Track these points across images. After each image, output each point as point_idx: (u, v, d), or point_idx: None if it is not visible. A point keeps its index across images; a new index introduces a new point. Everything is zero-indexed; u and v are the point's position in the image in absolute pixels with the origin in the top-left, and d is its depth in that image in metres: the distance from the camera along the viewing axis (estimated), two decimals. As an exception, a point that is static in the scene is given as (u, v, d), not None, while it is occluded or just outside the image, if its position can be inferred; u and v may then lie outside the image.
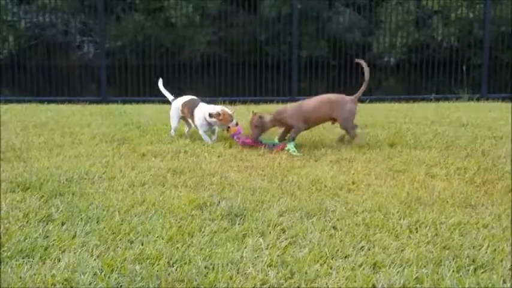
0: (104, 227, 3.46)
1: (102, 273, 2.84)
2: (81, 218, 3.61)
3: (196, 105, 6.23)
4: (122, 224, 3.51)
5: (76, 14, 14.34)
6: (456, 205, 3.98)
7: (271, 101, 10.36)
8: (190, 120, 6.37)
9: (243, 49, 13.40)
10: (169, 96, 6.59)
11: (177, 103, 6.42)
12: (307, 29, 13.56)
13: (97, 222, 3.57)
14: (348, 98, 6.03)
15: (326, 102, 5.96)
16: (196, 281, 2.81)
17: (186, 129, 6.52)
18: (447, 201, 4.05)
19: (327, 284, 2.79)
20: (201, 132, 6.17)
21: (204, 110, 6.11)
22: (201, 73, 13.34)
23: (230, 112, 6.05)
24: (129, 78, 12.82)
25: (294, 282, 2.82)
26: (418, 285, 2.77)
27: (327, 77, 13.10)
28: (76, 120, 7.41)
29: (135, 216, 3.68)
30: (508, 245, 3.22)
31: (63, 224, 3.54)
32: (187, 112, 6.28)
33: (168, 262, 2.99)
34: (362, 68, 6.05)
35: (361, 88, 6.03)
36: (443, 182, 4.59)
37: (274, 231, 3.44)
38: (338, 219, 3.67)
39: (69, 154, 5.42)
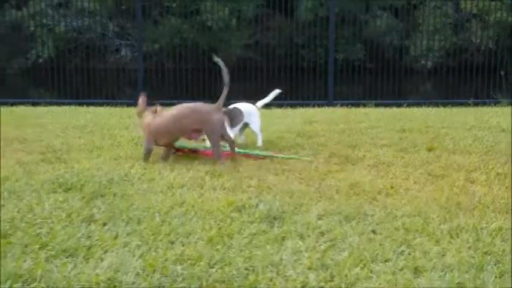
0: (145, 228, 3.51)
1: (145, 273, 2.88)
2: (122, 219, 3.67)
3: None
4: (162, 225, 3.56)
5: (113, 18, 14.54)
6: (497, 211, 3.93)
7: (307, 105, 10.35)
8: None
9: (279, 53, 13.44)
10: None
11: None
12: (344, 32, 13.54)
13: (138, 223, 3.62)
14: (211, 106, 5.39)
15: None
16: (236, 282, 2.83)
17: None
18: (488, 207, 4.00)
19: (367, 287, 2.79)
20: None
21: None
22: (237, 76, 13.37)
23: None
24: (165, 81, 12.94)
25: (335, 285, 2.82)
26: (460, 291, 2.76)
27: (363, 81, 13.05)
28: (114, 123, 7.51)
29: (175, 217, 3.72)
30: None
31: (104, 224, 3.60)
32: None
33: (209, 263, 3.02)
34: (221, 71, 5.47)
35: (222, 94, 5.36)
36: (483, 187, 4.54)
37: (313, 234, 3.45)
38: (377, 224, 3.65)
39: (109, 156, 5.50)
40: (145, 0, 12.52)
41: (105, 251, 3.16)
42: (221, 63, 5.48)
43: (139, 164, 5.17)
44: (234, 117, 6.05)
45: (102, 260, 3.05)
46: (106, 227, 3.53)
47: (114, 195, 4.19)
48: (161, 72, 13.16)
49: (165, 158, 5.44)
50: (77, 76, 12.81)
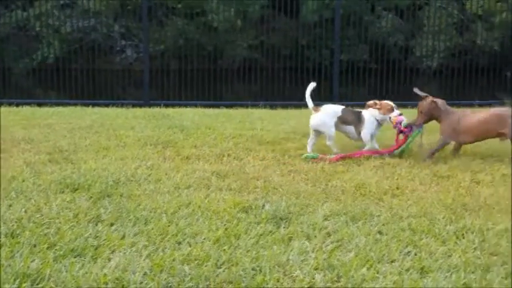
0: (152, 228, 3.53)
1: (152, 273, 2.90)
2: (129, 219, 3.69)
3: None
4: (169, 226, 3.58)
5: (118, 19, 14.56)
6: (503, 211, 3.94)
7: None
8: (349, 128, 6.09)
9: (284, 53, 13.44)
10: (310, 104, 6.14)
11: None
12: (348, 33, 13.54)
13: (145, 223, 3.64)
14: None
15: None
16: (244, 282, 2.85)
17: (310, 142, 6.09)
18: (493, 208, 4.02)
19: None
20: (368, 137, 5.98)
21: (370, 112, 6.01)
22: (242, 77, 13.40)
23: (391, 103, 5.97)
24: (170, 82, 12.96)
25: (341, 285, 2.84)
26: (466, 291, 2.77)
27: (368, 82, 13.05)
28: (120, 123, 7.53)
29: (182, 218, 3.74)
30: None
31: (112, 224, 3.62)
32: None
33: (216, 263, 3.04)
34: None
35: None
36: (488, 188, 4.56)
37: (320, 235, 3.46)
38: (383, 224, 3.67)
39: (115, 156, 5.51)
40: (150, 0, 12.55)
41: (113, 251, 3.18)
42: None
43: (146, 164, 5.19)
44: None
45: (109, 259, 3.07)
46: (113, 227, 3.55)
47: (121, 195, 4.21)
48: (166, 73, 13.17)
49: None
50: (82, 77, 12.84)
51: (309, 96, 6.14)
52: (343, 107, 6.19)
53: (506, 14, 13.61)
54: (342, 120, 6.03)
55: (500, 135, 5.52)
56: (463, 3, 14.11)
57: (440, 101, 5.69)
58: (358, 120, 6.02)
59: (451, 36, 13.74)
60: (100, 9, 14.13)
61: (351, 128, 6.06)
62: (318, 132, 6.04)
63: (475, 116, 5.67)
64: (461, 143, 5.71)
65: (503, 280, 2.85)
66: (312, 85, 6.20)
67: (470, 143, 5.72)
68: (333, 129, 6.00)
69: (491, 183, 4.69)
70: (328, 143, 5.96)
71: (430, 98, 5.73)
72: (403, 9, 14.00)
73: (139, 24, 13.03)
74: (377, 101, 5.94)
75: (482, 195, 4.31)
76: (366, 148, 5.86)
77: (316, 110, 6.04)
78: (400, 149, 5.70)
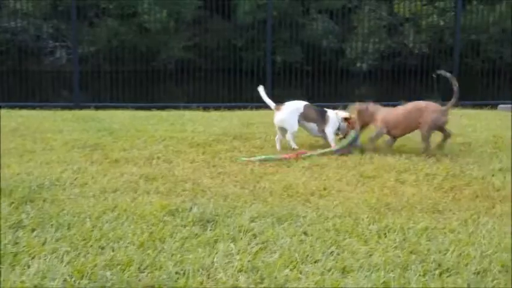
0: (75, 233, 3.45)
1: (72, 279, 2.84)
2: (51, 224, 3.60)
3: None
4: (93, 230, 3.51)
5: (48, 19, 14.24)
6: (424, 210, 4.05)
7: (246, 107, 10.38)
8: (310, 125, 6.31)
9: (218, 55, 13.44)
10: (271, 104, 6.26)
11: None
12: (283, 35, 13.64)
13: (68, 228, 3.56)
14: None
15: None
16: (166, 286, 2.82)
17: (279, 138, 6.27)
18: (416, 207, 4.12)
19: (296, 288, 2.83)
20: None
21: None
22: (176, 79, 13.33)
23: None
24: (102, 83, 12.76)
25: (264, 287, 2.85)
26: (385, 289, 2.83)
27: (301, 83, 13.19)
28: (48, 126, 7.35)
29: (107, 222, 3.67)
30: (473, 249, 3.28)
31: (33, 230, 3.52)
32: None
33: (139, 268, 3.00)
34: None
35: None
36: (412, 187, 4.67)
37: (246, 237, 3.47)
38: (309, 225, 3.70)
39: (41, 160, 5.38)
40: (80, 1, 12.31)
41: (33, 257, 3.10)
42: (448, 75, 6.02)
43: (72, 168, 5.08)
44: None
45: (29, 266, 2.99)
46: (34, 233, 3.46)
47: (44, 200, 4.11)
48: (98, 75, 12.96)
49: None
50: (9, 78, 12.49)
51: (266, 97, 6.29)
52: (306, 103, 6.32)
53: (432, 18, 14.01)
54: (304, 117, 6.23)
55: (418, 125, 5.92)
56: (392, 5, 14.43)
57: (370, 106, 6.17)
58: (322, 118, 6.23)
59: (381, 39, 14.03)
60: (29, 10, 13.79)
61: (313, 125, 6.28)
62: (283, 129, 6.19)
63: (400, 109, 6.08)
64: (393, 136, 6.09)
65: (421, 278, 2.92)
66: (261, 88, 6.35)
67: (400, 135, 6.10)
68: (296, 126, 6.19)
69: (415, 183, 4.81)
70: (288, 137, 6.16)
71: (359, 105, 6.17)
72: (335, 11, 14.21)
73: (69, 25, 12.78)
74: (352, 116, 6.20)
75: (405, 195, 4.42)
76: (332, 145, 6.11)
77: (278, 109, 6.18)
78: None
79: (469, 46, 13.54)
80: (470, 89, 13.04)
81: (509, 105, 10.63)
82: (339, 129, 6.25)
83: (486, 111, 10.02)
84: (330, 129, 6.19)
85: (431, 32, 13.92)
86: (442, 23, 13.97)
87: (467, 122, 8.11)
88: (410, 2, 13.89)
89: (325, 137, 6.25)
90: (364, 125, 6.18)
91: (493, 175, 5.03)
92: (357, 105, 6.22)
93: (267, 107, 6.41)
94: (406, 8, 14.00)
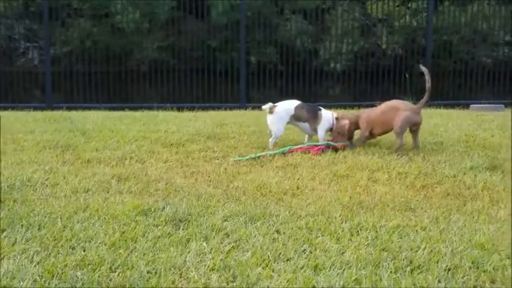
0: (46, 234, 3.42)
1: (42, 280, 2.81)
2: (22, 225, 3.56)
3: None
4: (63, 231, 3.48)
5: (20, 20, 14.07)
6: (396, 209, 4.08)
7: (220, 108, 10.38)
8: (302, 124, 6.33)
9: (192, 55, 13.40)
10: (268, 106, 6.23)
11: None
12: (257, 35, 13.65)
13: (38, 228, 3.52)
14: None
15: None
16: (138, 286, 2.80)
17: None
18: (388, 205, 4.14)
19: (268, 286, 2.83)
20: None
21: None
22: (150, 79, 13.26)
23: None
24: (75, 84, 12.65)
25: (236, 285, 2.84)
26: (357, 286, 2.84)
27: (275, 83, 13.21)
28: (19, 127, 7.27)
29: (78, 222, 3.65)
30: (444, 246, 3.32)
31: (3, 231, 3.48)
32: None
33: (110, 268, 2.98)
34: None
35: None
36: (384, 186, 4.70)
37: (218, 236, 3.46)
38: (281, 223, 3.71)
39: (12, 161, 5.32)
40: (53, 1, 12.19)
41: (2, 258, 3.06)
42: (425, 70, 6.05)
43: (43, 168, 5.03)
44: None
45: (-3, 267, 2.95)
46: (4, 234, 3.42)
47: (15, 201, 4.07)
48: (71, 75, 12.85)
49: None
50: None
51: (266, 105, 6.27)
52: (298, 104, 6.30)
53: (405, 19, 14.13)
54: (295, 118, 6.26)
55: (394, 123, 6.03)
56: (365, 7, 14.52)
57: (347, 120, 6.27)
58: (314, 118, 6.25)
59: (355, 40, 14.11)
60: (1, 11, 13.61)
61: (305, 125, 6.31)
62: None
63: (378, 109, 6.22)
64: (376, 134, 6.23)
65: (392, 275, 2.94)
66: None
67: (380, 134, 6.24)
68: (281, 132, 6.21)
69: (388, 181, 4.84)
70: (270, 139, 6.17)
71: (344, 121, 6.24)
72: (309, 12, 14.24)
73: (42, 25, 12.64)
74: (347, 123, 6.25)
75: (378, 193, 4.45)
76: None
77: (271, 112, 6.19)
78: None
79: (441, 47, 13.69)
80: (442, 89, 13.20)
81: (481, 105, 10.77)
82: (331, 128, 6.28)
83: (458, 111, 10.13)
84: (321, 129, 6.24)
85: (404, 32, 14.04)
86: (414, 24, 14.09)
87: (438, 121, 8.19)
88: (384, 3, 13.99)
89: (315, 133, 6.34)
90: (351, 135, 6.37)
91: (464, 173, 5.08)
92: (348, 115, 6.41)
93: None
94: (379, 9, 14.10)
